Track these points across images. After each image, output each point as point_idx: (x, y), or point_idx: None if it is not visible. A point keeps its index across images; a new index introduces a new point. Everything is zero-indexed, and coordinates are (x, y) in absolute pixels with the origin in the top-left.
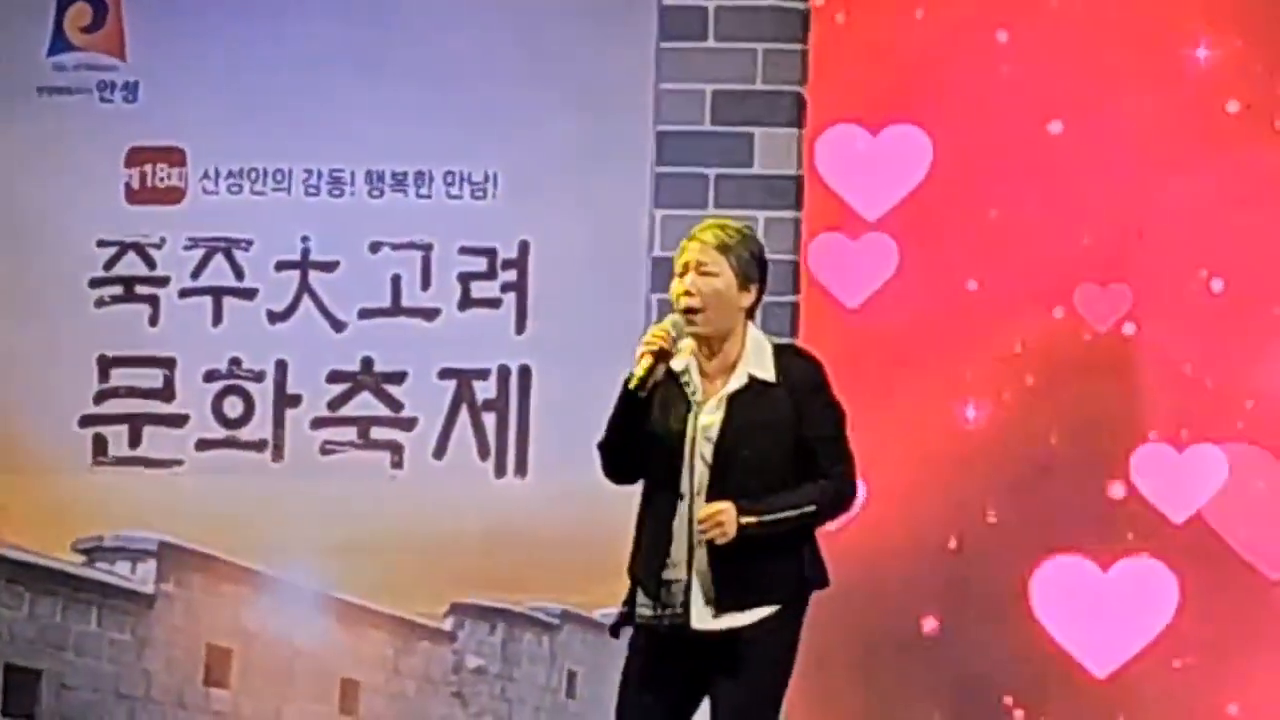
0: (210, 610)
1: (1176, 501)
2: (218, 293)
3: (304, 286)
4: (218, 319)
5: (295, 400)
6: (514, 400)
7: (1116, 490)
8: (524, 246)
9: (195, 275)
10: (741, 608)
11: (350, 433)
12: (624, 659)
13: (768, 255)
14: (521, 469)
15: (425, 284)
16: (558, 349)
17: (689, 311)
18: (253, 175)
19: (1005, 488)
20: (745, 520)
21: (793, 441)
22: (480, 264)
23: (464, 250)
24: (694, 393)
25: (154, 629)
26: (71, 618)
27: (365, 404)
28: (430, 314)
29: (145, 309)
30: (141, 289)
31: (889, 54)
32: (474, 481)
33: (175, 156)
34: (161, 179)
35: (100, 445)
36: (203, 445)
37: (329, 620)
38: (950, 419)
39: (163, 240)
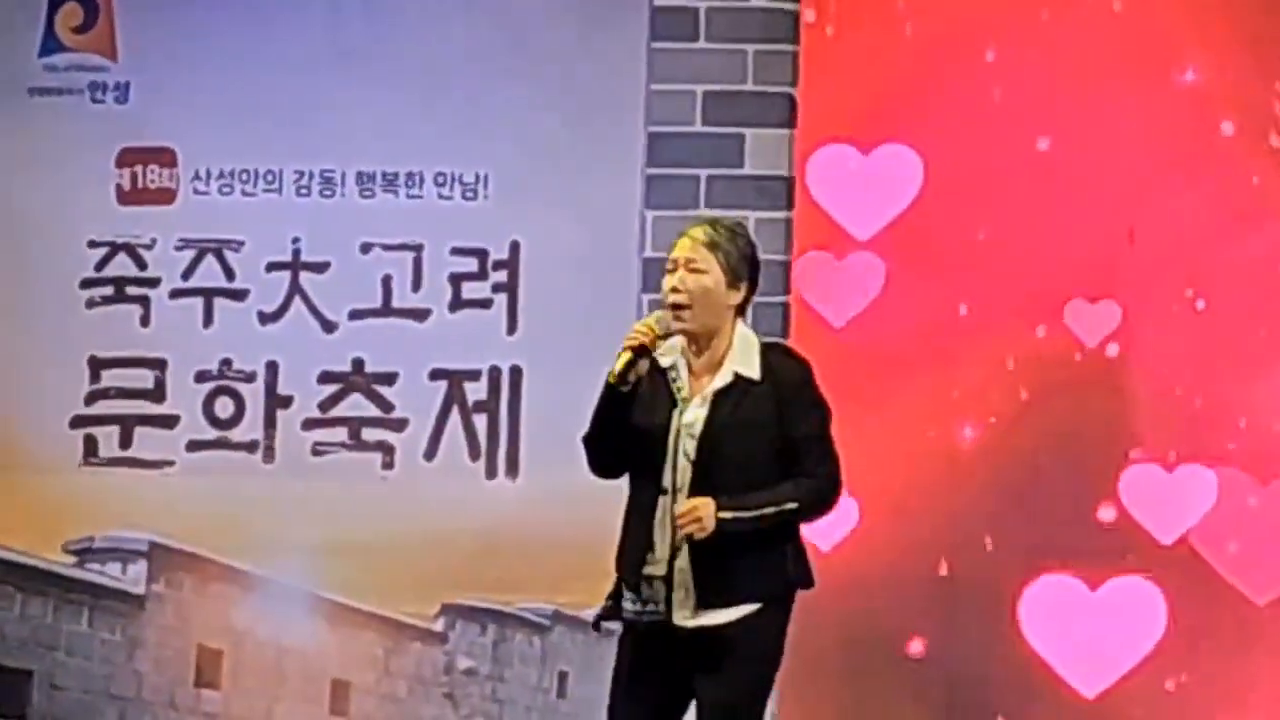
0: (201, 611)
1: (1165, 522)
2: (209, 293)
3: (295, 287)
4: (209, 320)
5: (286, 401)
6: (505, 401)
7: (1106, 510)
8: (515, 247)
9: (186, 276)
10: (722, 605)
11: (341, 434)
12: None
13: (760, 255)
14: (513, 470)
15: (416, 285)
16: (549, 350)
17: (676, 307)
18: (244, 176)
19: (994, 507)
20: (723, 516)
21: (777, 440)
22: (471, 265)
23: (455, 251)
24: (680, 389)
25: (145, 630)
26: (62, 618)
27: (356, 405)
28: (421, 315)
29: (136, 310)
30: (132, 290)
31: (880, 72)
32: (465, 482)
33: (166, 157)
34: (152, 180)
35: (91, 446)
36: (194, 446)
37: (320, 621)
38: (939, 439)
39: (154, 241)
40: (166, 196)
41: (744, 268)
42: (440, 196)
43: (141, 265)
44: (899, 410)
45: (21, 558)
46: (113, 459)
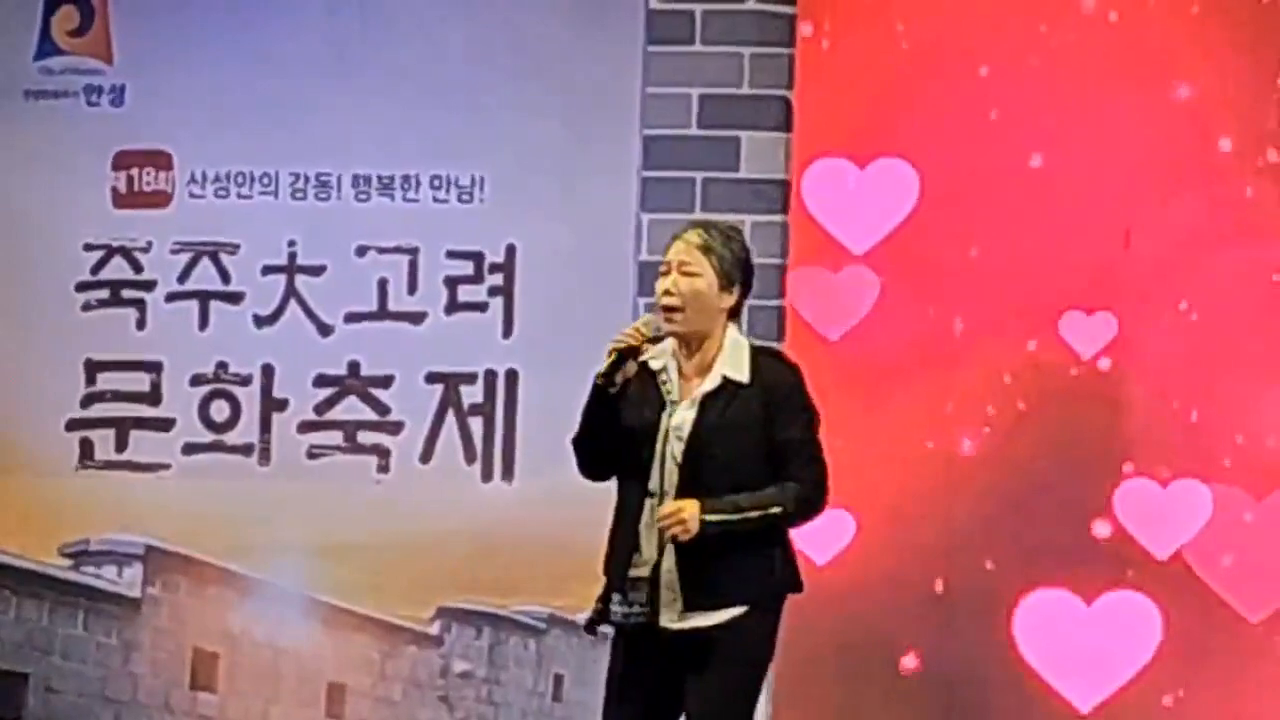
0: (197, 614)
1: (1160, 537)
2: (204, 296)
3: (290, 290)
4: (204, 323)
5: (282, 404)
6: (501, 404)
7: (1101, 524)
8: (511, 250)
9: (182, 279)
10: (708, 608)
11: (337, 436)
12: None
13: (755, 259)
14: (508, 473)
15: (412, 288)
16: (545, 353)
17: (668, 310)
18: (239, 179)
19: (990, 521)
20: (707, 518)
21: (764, 443)
22: (467, 268)
23: (451, 254)
24: (670, 392)
25: (140, 633)
26: (58, 621)
27: (352, 408)
28: (417, 318)
29: (132, 313)
30: (128, 293)
31: (876, 86)
32: (461, 485)
33: (162, 160)
34: (148, 183)
35: (87, 449)
36: (189, 449)
37: (315, 624)
38: (933, 452)
39: (149, 244)
40: (162, 199)
41: (737, 271)
42: (436, 200)
43: (137, 268)
44: (894, 424)
45: (17, 560)
46: (108, 462)
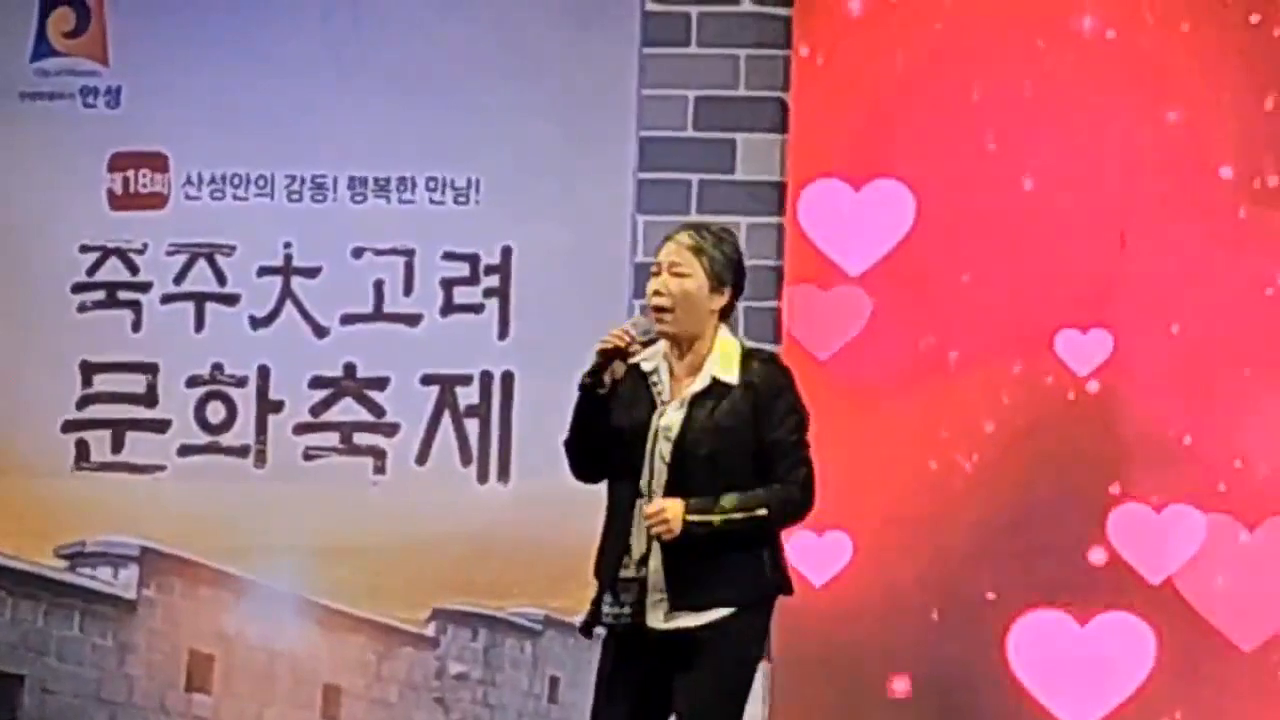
0: (192, 615)
1: (1154, 563)
2: (200, 298)
3: (286, 292)
4: (200, 324)
5: (278, 406)
6: (496, 406)
7: (1096, 550)
8: (506, 252)
9: (178, 281)
10: (695, 608)
11: (333, 438)
12: None
13: (751, 261)
14: (504, 475)
15: (408, 289)
16: (540, 354)
17: (658, 310)
18: (235, 181)
19: (983, 543)
20: (690, 519)
21: (752, 444)
22: (463, 269)
23: (446, 256)
24: (660, 393)
25: (136, 634)
26: (53, 623)
27: (348, 409)
28: (413, 319)
29: (128, 314)
30: (124, 294)
31: (871, 107)
32: (456, 487)
33: (158, 162)
34: (144, 184)
35: (83, 450)
36: (185, 451)
37: (311, 626)
38: (928, 475)
39: (145, 246)
40: (158, 201)
41: (728, 273)
42: (432, 201)
43: (133, 270)
44: (887, 445)
45: (13, 562)
46: (104, 463)
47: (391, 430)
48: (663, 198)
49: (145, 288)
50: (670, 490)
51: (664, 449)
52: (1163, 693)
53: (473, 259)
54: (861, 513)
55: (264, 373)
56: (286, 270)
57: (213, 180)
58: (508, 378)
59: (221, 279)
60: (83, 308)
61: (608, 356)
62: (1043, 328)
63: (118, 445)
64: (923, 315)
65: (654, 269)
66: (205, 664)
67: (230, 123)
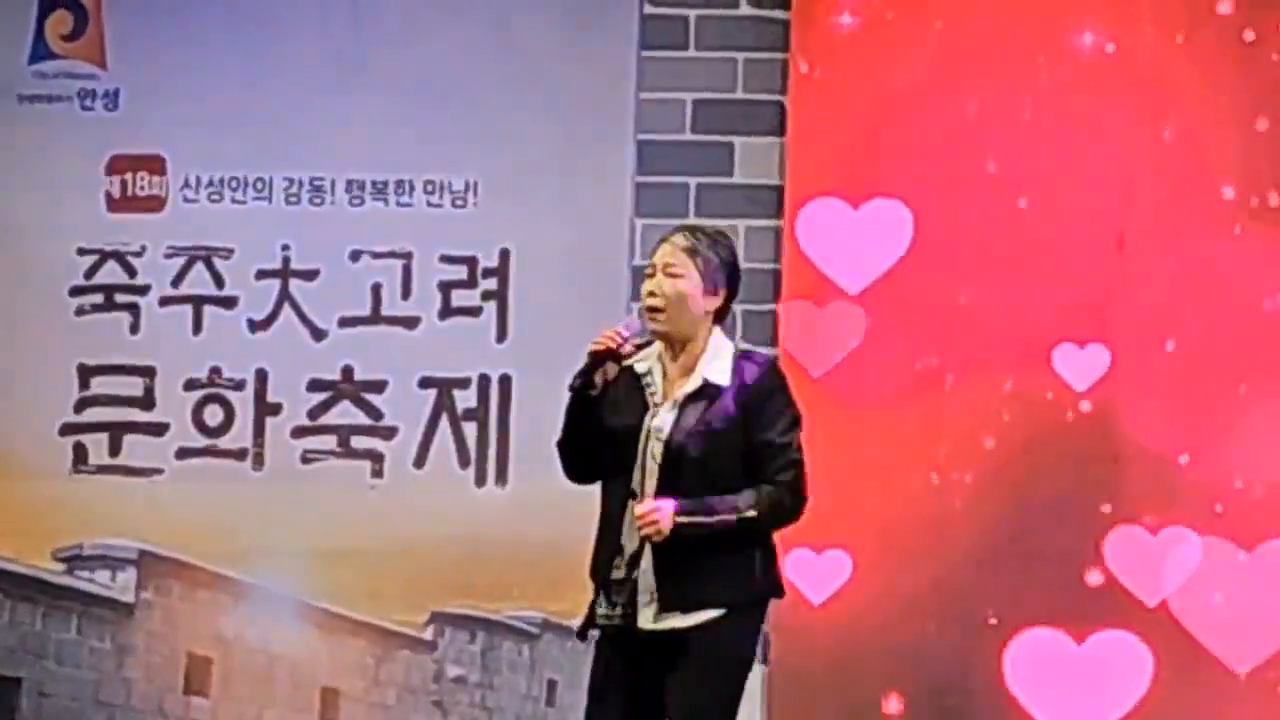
0: (190, 618)
1: (1150, 586)
2: (198, 301)
3: (284, 295)
4: (198, 327)
5: (275, 409)
6: (494, 409)
7: (1092, 573)
8: (504, 255)
9: (175, 284)
10: (684, 609)
11: (330, 441)
12: None
13: (749, 264)
14: (502, 478)
15: (406, 292)
16: (538, 358)
17: (651, 310)
18: (233, 184)
19: (981, 561)
20: (680, 520)
21: (743, 445)
22: (461, 272)
23: (444, 259)
24: (653, 394)
25: (134, 637)
26: (51, 626)
27: (345, 413)
28: (411, 322)
29: (125, 317)
30: (122, 297)
31: (870, 124)
32: (454, 490)
33: (156, 165)
34: (142, 187)
35: (80, 453)
36: (183, 454)
37: (309, 629)
38: (928, 491)
39: (143, 248)
40: (156, 204)
41: (722, 275)
42: (430, 204)
43: (131, 273)
44: (887, 461)
45: (10, 565)
46: (102, 466)
47: (389, 433)
48: (661, 201)
49: (143, 290)
50: (662, 491)
51: (656, 450)
52: (1159, 712)
53: (471, 262)
54: (861, 531)
55: (262, 376)
56: (284, 273)
57: (210, 183)
58: (505, 381)
59: (219, 282)
60: (80, 310)
61: (599, 358)
62: (1040, 343)
63: (115, 448)
64: (920, 332)
65: (649, 270)
66: (203, 667)
67: (228, 126)
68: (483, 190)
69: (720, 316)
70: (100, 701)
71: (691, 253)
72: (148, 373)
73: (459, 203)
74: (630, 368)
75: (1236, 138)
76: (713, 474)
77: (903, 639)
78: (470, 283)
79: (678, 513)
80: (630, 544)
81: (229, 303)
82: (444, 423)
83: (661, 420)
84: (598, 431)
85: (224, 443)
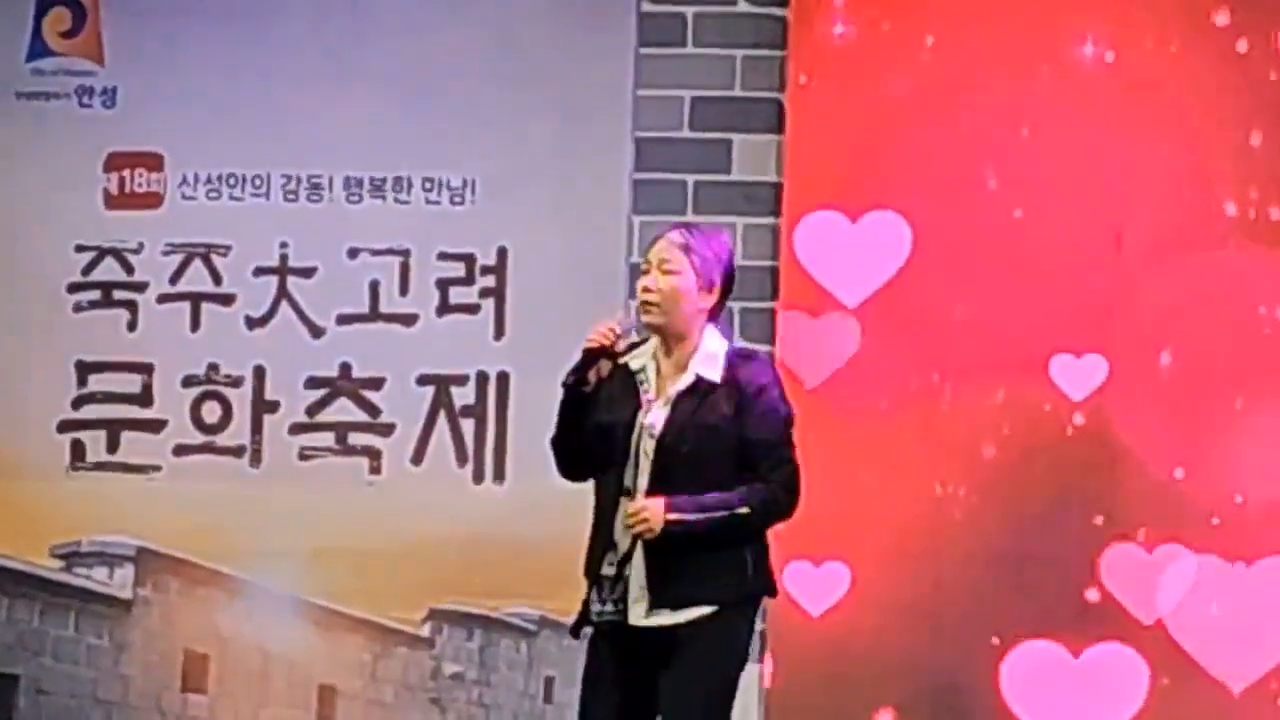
0: (188, 615)
1: (1146, 604)
2: (196, 298)
3: (282, 292)
4: (196, 324)
5: (273, 406)
6: (492, 406)
7: (1090, 590)
8: (502, 252)
9: (173, 281)
10: (677, 606)
11: (328, 438)
12: None
13: (746, 262)
14: (499, 475)
15: (404, 290)
16: (536, 355)
17: (645, 304)
18: (231, 181)
19: (980, 573)
20: (670, 518)
21: (735, 442)
22: (459, 270)
23: (442, 256)
24: (647, 390)
25: (131, 634)
26: (49, 622)
27: (343, 410)
28: (408, 320)
29: (123, 314)
30: (119, 294)
31: (868, 137)
32: (452, 487)
33: (154, 162)
34: (140, 184)
35: (78, 450)
36: (181, 450)
37: (306, 626)
38: (927, 502)
39: (141, 245)
40: (154, 201)
41: (717, 273)
42: (428, 201)
43: (129, 269)
44: (887, 473)
45: (8, 562)
46: (100, 463)
47: (387, 430)
48: (658, 198)
49: (141, 288)
50: (654, 488)
51: (648, 446)
52: None
53: (468, 259)
54: (859, 542)
55: (260, 373)
56: (282, 270)
57: (209, 180)
58: (503, 378)
59: (217, 279)
60: (78, 307)
61: (592, 355)
62: (1038, 354)
63: (113, 445)
64: (917, 344)
65: (644, 266)
66: (201, 664)
67: (226, 123)
68: (480, 188)
69: (714, 315)
70: (98, 699)
71: (686, 250)
72: (145, 370)
73: (457, 200)
74: (625, 364)
75: (1234, 150)
76: (705, 471)
77: (901, 650)
78: (468, 280)
79: (669, 510)
80: (623, 541)
81: (227, 300)
82: (442, 420)
83: (654, 417)
84: (590, 428)
85: (222, 440)
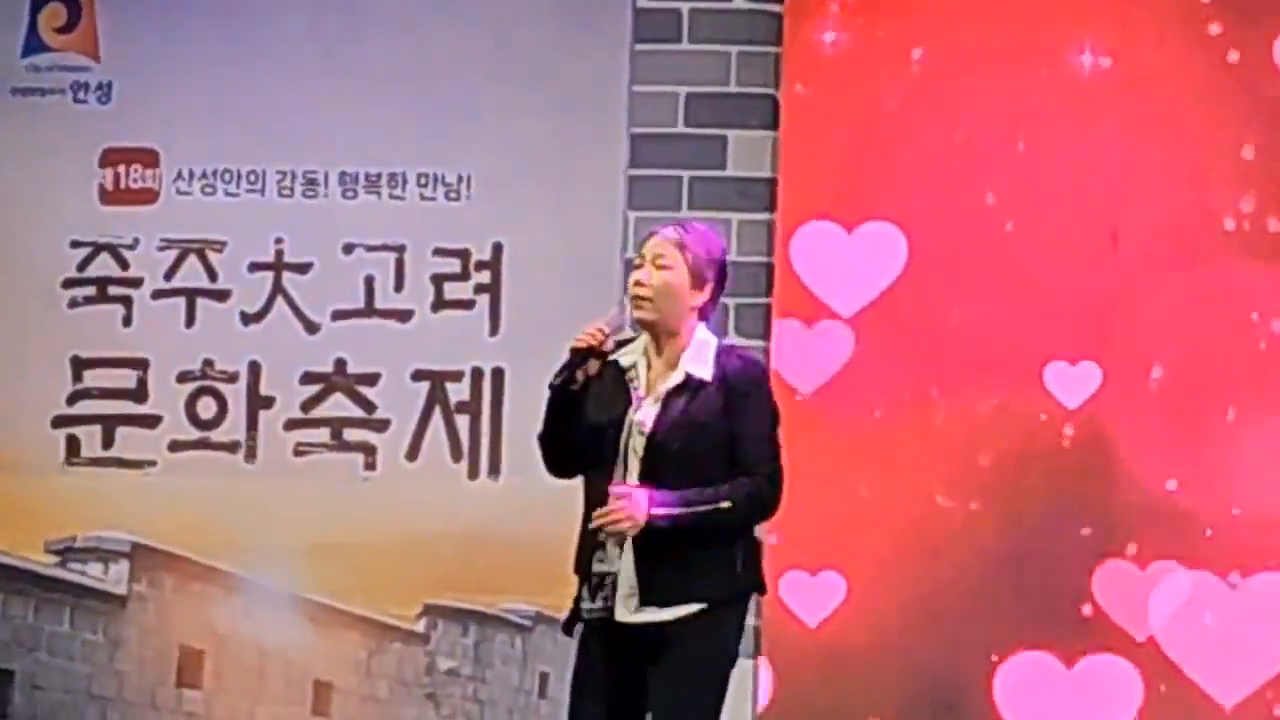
0: (183, 611)
1: (1138, 620)
2: (191, 294)
3: (277, 288)
4: (191, 320)
5: (268, 401)
6: (487, 402)
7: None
8: (497, 248)
9: (168, 276)
10: (665, 603)
11: (323, 434)
12: None
13: (741, 257)
14: (494, 471)
15: (399, 285)
16: (531, 351)
17: (637, 298)
18: (226, 176)
19: (975, 583)
20: (654, 512)
21: (725, 440)
22: (453, 265)
23: (437, 252)
24: (637, 388)
25: (126, 630)
26: (44, 618)
27: (338, 405)
28: (403, 315)
29: (118, 310)
30: (115, 290)
31: (864, 147)
32: (447, 483)
33: (149, 157)
34: (135, 180)
35: (73, 446)
36: (176, 446)
37: (302, 622)
38: (924, 512)
39: (136, 241)
40: (149, 196)
41: (709, 270)
42: (423, 197)
43: (124, 265)
44: (882, 483)
45: (3, 558)
46: (95, 459)
47: (382, 426)
48: (654, 194)
49: (136, 283)
50: (643, 484)
51: (638, 444)
52: None
53: (463, 255)
54: (855, 552)
55: (255, 368)
56: (277, 266)
57: (204, 176)
58: (498, 374)
59: (212, 275)
60: (73, 303)
61: (580, 355)
62: (1032, 363)
63: (108, 441)
64: (913, 352)
65: (637, 261)
66: (196, 660)
67: (221, 118)
68: (476, 183)
69: (706, 313)
70: (93, 694)
71: (680, 246)
72: (140, 365)
73: (452, 196)
74: (615, 362)
75: (1228, 159)
76: (694, 468)
77: (897, 660)
78: (463, 276)
79: (653, 504)
80: (612, 537)
81: (222, 295)
82: (437, 416)
83: (644, 414)
84: (578, 427)
85: (217, 435)
